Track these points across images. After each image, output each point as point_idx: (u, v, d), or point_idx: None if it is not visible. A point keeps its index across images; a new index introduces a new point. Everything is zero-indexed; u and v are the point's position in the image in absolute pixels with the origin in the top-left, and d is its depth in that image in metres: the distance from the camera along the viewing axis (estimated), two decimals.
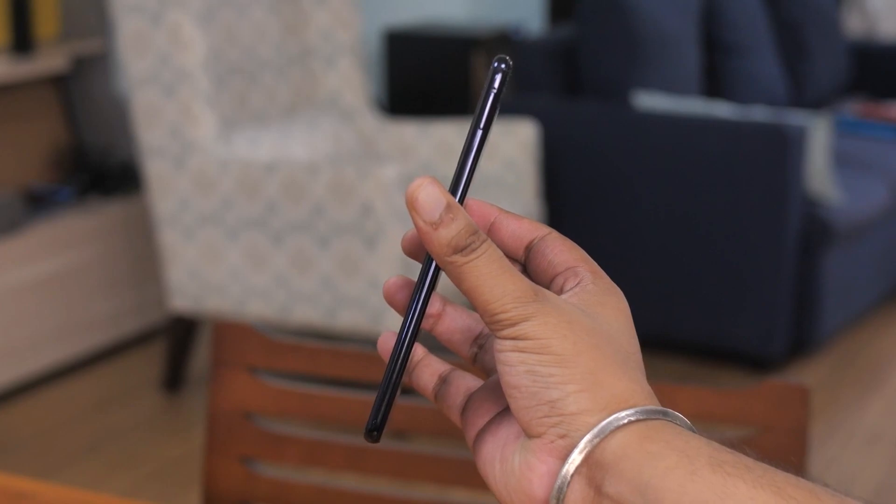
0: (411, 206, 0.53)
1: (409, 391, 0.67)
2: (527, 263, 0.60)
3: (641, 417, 0.53)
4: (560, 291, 0.57)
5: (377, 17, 4.82)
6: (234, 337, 1.24)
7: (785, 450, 1.10)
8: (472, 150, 0.56)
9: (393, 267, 2.86)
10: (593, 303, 0.56)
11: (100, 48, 3.71)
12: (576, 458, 0.52)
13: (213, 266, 3.12)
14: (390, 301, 0.60)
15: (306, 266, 3.01)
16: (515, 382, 0.54)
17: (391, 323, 2.84)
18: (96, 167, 3.67)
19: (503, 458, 0.56)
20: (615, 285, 0.58)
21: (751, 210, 3.38)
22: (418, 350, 0.61)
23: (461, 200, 0.56)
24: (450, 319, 0.60)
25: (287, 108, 3.48)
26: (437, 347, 0.63)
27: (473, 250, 0.54)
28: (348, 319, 2.99)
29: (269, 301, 3.08)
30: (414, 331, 0.57)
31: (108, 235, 3.53)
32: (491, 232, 0.59)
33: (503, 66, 0.56)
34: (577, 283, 0.57)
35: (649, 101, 3.57)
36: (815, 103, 4.55)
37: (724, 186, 3.41)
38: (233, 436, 1.24)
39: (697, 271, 3.49)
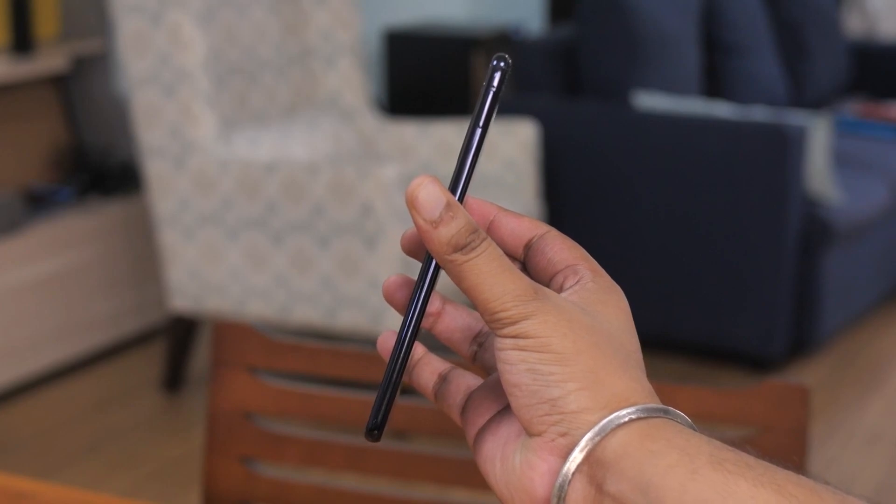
0: (411, 204, 0.53)
1: (409, 391, 0.67)
2: (526, 262, 0.60)
3: (642, 415, 0.53)
4: (560, 290, 0.57)
5: (377, 17, 4.82)
6: (234, 337, 1.24)
7: (785, 450, 1.10)
8: (471, 149, 0.56)
9: (393, 267, 2.86)
10: (593, 301, 0.56)
11: (100, 48, 3.71)
12: (577, 456, 0.52)
13: (213, 266, 3.12)
14: (390, 300, 0.60)
15: (306, 266, 3.01)
16: (516, 381, 0.54)
17: (391, 323, 2.84)
18: (96, 167, 3.67)
19: (504, 456, 0.56)
20: (615, 283, 0.58)
21: (751, 210, 3.38)
22: (418, 349, 0.61)
23: (461, 199, 0.56)
24: (449, 318, 0.60)
25: (287, 108, 3.48)
26: (437, 346, 0.63)
27: (473, 249, 0.54)
28: (348, 319, 2.99)
29: (269, 301, 3.08)
30: (414, 329, 0.57)
31: (108, 235, 3.53)
32: (490, 230, 0.59)
33: (502, 63, 0.56)
34: (577, 282, 0.57)
35: (649, 101, 3.57)
36: (815, 103, 4.55)
37: (724, 186, 3.41)
38: (233, 436, 1.24)
39: (697, 271, 3.49)
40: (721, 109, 3.57)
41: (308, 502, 1.23)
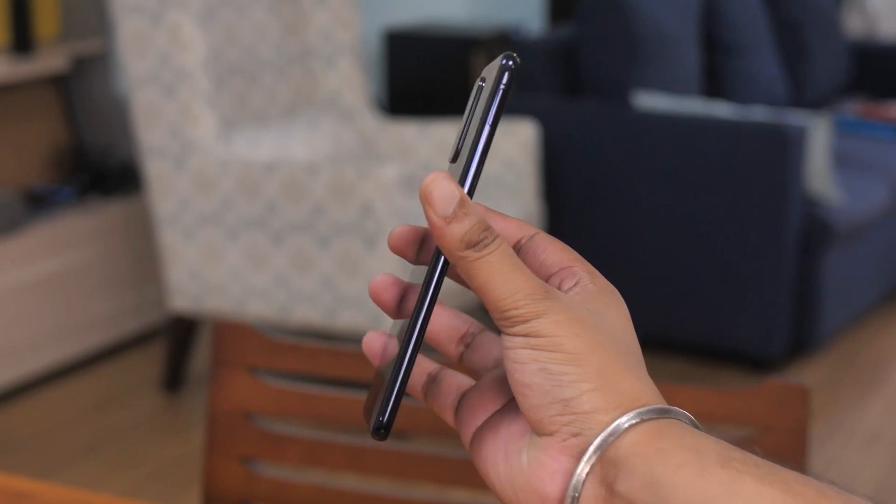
0: (425, 199, 0.53)
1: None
2: None
3: (654, 416, 0.53)
4: None
5: (377, 17, 4.82)
6: (234, 337, 1.24)
7: (785, 450, 1.10)
8: (478, 148, 0.56)
9: (393, 267, 2.86)
10: (596, 302, 0.56)
11: (100, 48, 3.71)
12: (591, 457, 0.53)
13: (213, 266, 3.12)
14: (377, 299, 0.60)
15: (306, 266, 3.01)
16: (527, 380, 0.53)
17: (391, 323, 2.84)
18: (96, 167, 3.67)
19: (507, 456, 0.56)
20: (611, 285, 0.58)
21: (751, 210, 3.38)
22: None
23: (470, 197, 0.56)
24: (435, 318, 0.60)
25: (287, 108, 3.48)
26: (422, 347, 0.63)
27: (486, 246, 0.54)
28: (348, 319, 2.99)
29: (269, 301, 3.08)
30: (423, 325, 0.56)
31: (108, 235, 3.53)
32: None
33: (511, 63, 0.56)
34: (576, 283, 0.57)
35: (649, 101, 3.57)
36: (815, 103, 4.55)
37: (724, 186, 3.41)
38: (233, 436, 1.24)
39: (697, 271, 3.49)
40: (721, 109, 3.57)
41: (308, 502, 1.23)
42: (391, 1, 4.99)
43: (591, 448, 0.52)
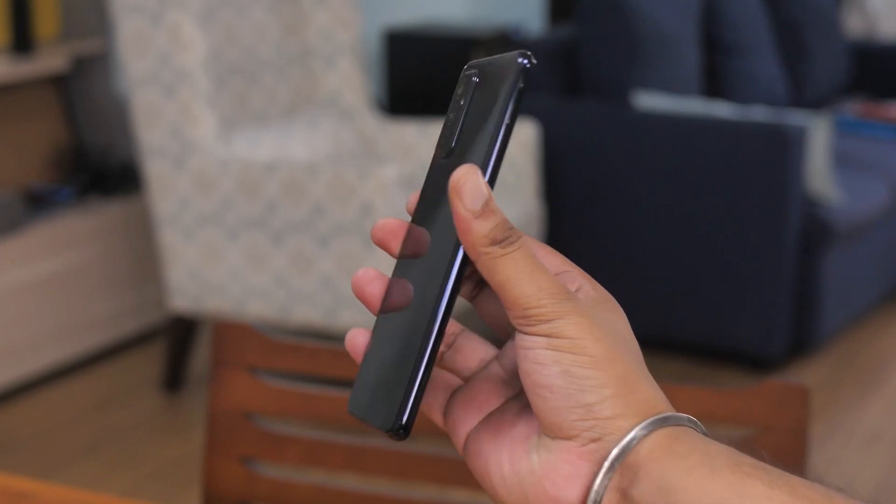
0: (457, 191, 0.53)
1: None
2: None
3: (669, 424, 0.53)
4: None
5: (377, 17, 4.82)
6: (234, 337, 1.24)
7: (785, 450, 1.10)
8: (494, 150, 0.55)
9: (393, 267, 2.86)
10: (601, 308, 0.56)
11: (100, 48, 3.71)
12: (613, 463, 0.53)
13: (213, 266, 3.12)
14: (360, 294, 0.59)
15: (306, 266, 3.01)
16: (547, 382, 0.53)
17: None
18: (96, 167, 3.67)
19: (512, 458, 0.55)
20: (608, 292, 0.58)
21: (751, 210, 3.38)
22: None
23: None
24: None
25: (287, 108, 3.48)
26: None
27: (511, 243, 0.53)
28: (348, 319, 2.99)
29: (269, 301, 3.08)
30: (443, 321, 0.55)
31: (108, 235, 3.53)
32: None
33: (527, 62, 0.55)
34: (578, 289, 0.57)
35: (649, 101, 3.57)
36: (815, 103, 4.55)
37: (724, 186, 3.41)
38: (233, 436, 1.24)
39: (697, 271, 3.49)
40: (721, 109, 3.57)
41: (308, 502, 1.23)
42: (391, 1, 4.99)
43: (613, 455, 0.53)
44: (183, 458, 2.96)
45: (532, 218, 3.39)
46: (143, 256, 3.59)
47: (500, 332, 0.61)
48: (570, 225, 3.60)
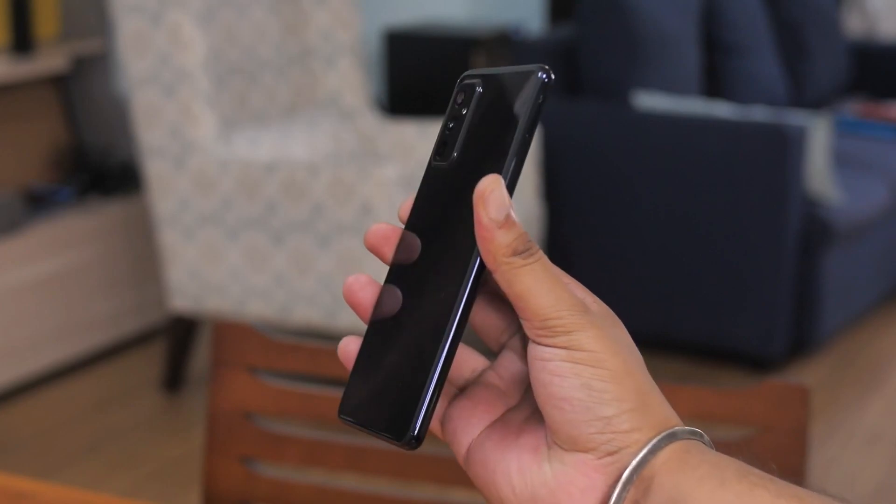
0: (483, 200, 0.53)
1: None
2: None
3: (682, 437, 0.54)
4: None
5: (377, 17, 4.82)
6: (234, 337, 1.24)
7: (785, 450, 1.10)
8: (511, 164, 0.55)
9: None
10: (608, 323, 0.56)
11: (100, 48, 3.71)
12: (631, 476, 0.53)
13: (213, 266, 3.12)
14: (351, 300, 0.59)
15: (306, 266, 3.01)
16: (566, 395, 0.53)
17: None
18: (96, 167, 3.67)
19: (521, 468, 0.55)
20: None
21: (751, 210, 3.38)
22: None
23: None
24: None
25: (287, 108, 3.48)
26: None
27: (532, 254, 0.54)
28: (348, 319, 2.99)
29: (269, 301, 3.08)
30: (458, 331, 0.55)
31: (108, 235, 3.53)
32: None
33: (547, 78, 0.55)
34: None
35: (649, 101, 3.57)
36: (815, 103, 4.55)
37: (724, 186, 3.41)
38: (233, 436, 1.24)
39: (697, 271, 3.49)
40: (721, 109, 3.57)
41: (308, 502, 1.23)
42: (391, 1, 4.99)
43: (630, 468, 0.53)
44: (183, 458, 2.96)
45: (532, 218, 3.39)
46: (143, 256, 3.59)
47: (492, 342, 0.60)
48: (570, 225, 3.59)
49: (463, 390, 0.60)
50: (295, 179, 2.98)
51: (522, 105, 0.55)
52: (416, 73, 4.70)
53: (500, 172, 0.55)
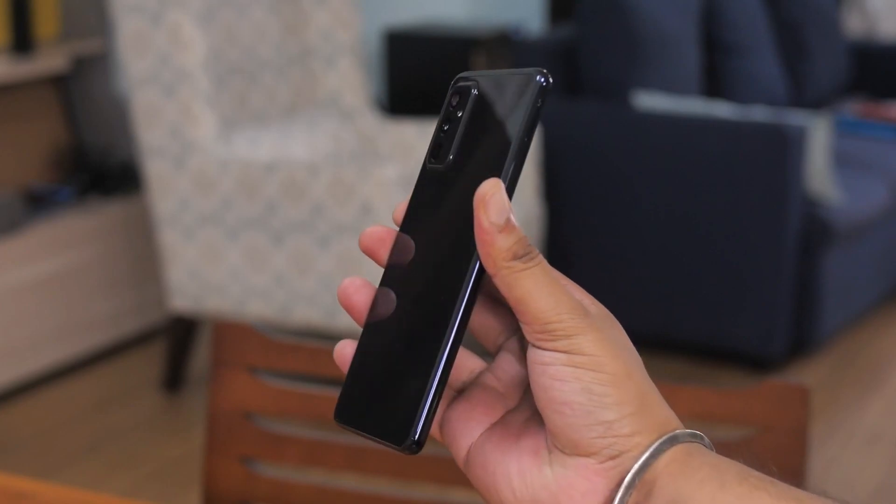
0: (483, 203, 0.53)
1: None
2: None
3: (683, 440, 0.54)
4: None
5: (377, 17, 4.82)
6: (234, 337, 1.24)
7: (785, 450, 1.10)
8: (511, 168, 0.55)
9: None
10: (607, 325, 0.56)
11: (100, 48, 3.71)
12: (633, 480, 0.53)
13: (213, 266, 3.12)
14: (346, 303, 0.59)
15: (306, 266, 3.01)
16: (567, 399, 0.53)
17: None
18: (96, 167, 3.67)
19: (523, 472, 0.55)
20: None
21: (751, 210, 3.38)
22: None
23: None
24: None
25: (287, 108, 3.48)
26: None
27: (532, 258, 0.54)
28: (348, 319, 2.99)
29: (269, 301, 3.08)
30: (458, 335, 0.54)
31: (108, 235, 3.53)
32: None
33: (545, 82, 0.55)
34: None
35: (649, 101, 3.57)
36: (815, 103, 4.55)
37: (724, 186, 3.41)
38: (233, 436, 1.24)
39: (697, 271, 3.49)
40: (721, 109, 3.57)
41: (308, 502, 1.23)
42: (391, 1, 4.99)
43: (632, 472, 0.53)
44: (183, 458, 2.96)
45: (532, 218, 3.39)
46: (143, 256, 3.59)
47: (489, 344, 0.60)
48: (570, 225, 3.59)
49: (461, 392, 0.60)
50: (295, 179, 2.98)
51: (521, 109, 0.55)
52: (416, 73, 4.70)
53: (499, 176, 0.54)
